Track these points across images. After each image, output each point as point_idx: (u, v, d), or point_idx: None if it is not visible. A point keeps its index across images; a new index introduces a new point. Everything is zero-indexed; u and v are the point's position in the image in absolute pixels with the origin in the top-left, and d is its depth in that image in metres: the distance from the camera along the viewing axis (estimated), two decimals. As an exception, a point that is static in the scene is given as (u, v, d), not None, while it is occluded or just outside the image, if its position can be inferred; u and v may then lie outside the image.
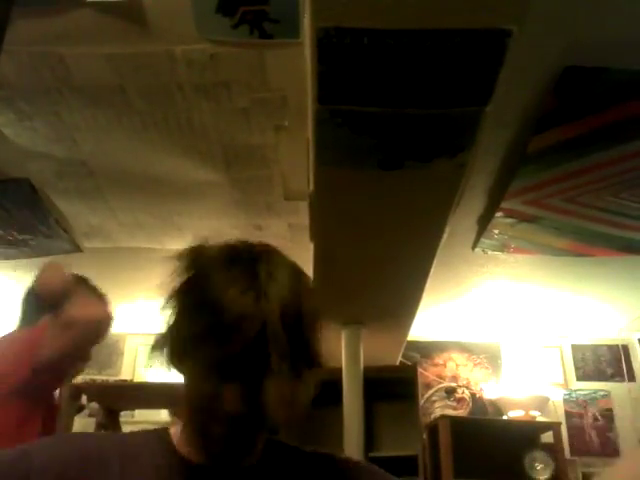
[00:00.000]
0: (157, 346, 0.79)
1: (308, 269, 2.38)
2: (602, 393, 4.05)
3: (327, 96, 1.61)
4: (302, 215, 2.72)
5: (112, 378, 4.10)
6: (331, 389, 2.97)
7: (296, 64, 1.87)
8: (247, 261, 0.77)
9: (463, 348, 4.23)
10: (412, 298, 2.89)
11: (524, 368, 4.06)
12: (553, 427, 3.46)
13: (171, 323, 0.78)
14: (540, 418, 3.76)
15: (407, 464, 3.03)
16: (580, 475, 3.77)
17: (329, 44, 1.44)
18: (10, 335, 1.75)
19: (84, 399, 3.14)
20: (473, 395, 4.04)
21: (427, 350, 4.20)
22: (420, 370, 3.82)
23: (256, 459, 0.82)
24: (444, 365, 4.19)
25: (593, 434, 3.95)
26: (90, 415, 3.48)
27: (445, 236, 2.35)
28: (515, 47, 1.44)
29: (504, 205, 2.69)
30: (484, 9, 1.35)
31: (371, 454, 3.10)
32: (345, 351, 3.12)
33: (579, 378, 4.15)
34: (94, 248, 3.23)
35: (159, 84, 2.12)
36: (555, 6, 1.71)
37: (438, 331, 4.18)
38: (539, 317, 4.01)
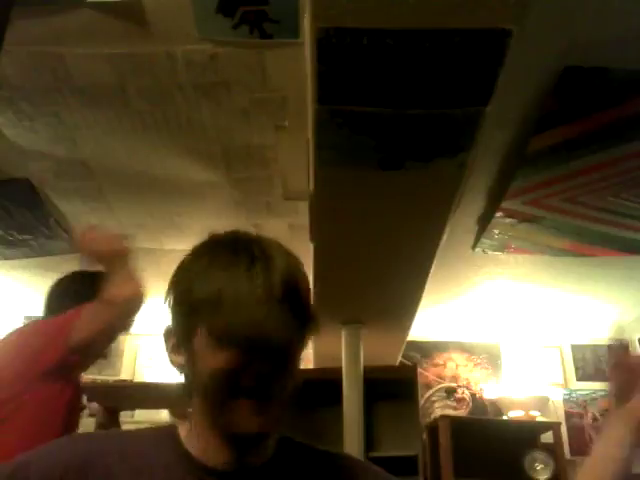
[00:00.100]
0: (168, 332, 0.81)
1: (308, 269, 2.38)
2: (602, 393, 4.04)
3: (327, 96, 1.61)
4: (302, 215, 2.72)
5: (112, 378, 4.09)
6: (331, 389, 2.97)
7: (296, 64, 1.87)
8: (245, 241, 0.81)
9: (463, 348, 4.23)
10: (412, 298, 2.89)
11: (524, 368, 4.06)
12: (553, 427, 3.46)
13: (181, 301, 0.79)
14: (540, 418, 3.75)
15: (407, 464, 3.02)
16: (580, 475, 3.77)
17: (329, 44, 1.44)
18: (43, 319, 1.82)
19: (84, 399, 3.14)
20: (473, 395, 4.04)
21: (427, 350, 4.20)
22: (420, 370, 3.82)
23: (268, 457, 0.82)
24: (444, 365, 4.19)
25: (593, 434, 3.94)
26: (90, 415, 3.48)
27: (445, 236, 2.35)
28: (515, 47, 1.44)
29: (504, 205, 2.69)
30: (484, 9, 1.35)
31: (371, 454, 3.09)
32: (345, 351, 3.12)
33: (579, 378, 4.15)
34: (94, 248, 3.23)
35: (159, 84, 2.12)
36: (555, 6, 1.71)
37: (438, 331, 4.18)
38: (539, 317, 4.01)
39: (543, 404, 3.83)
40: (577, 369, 4.18)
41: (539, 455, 3.30)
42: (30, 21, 1.84)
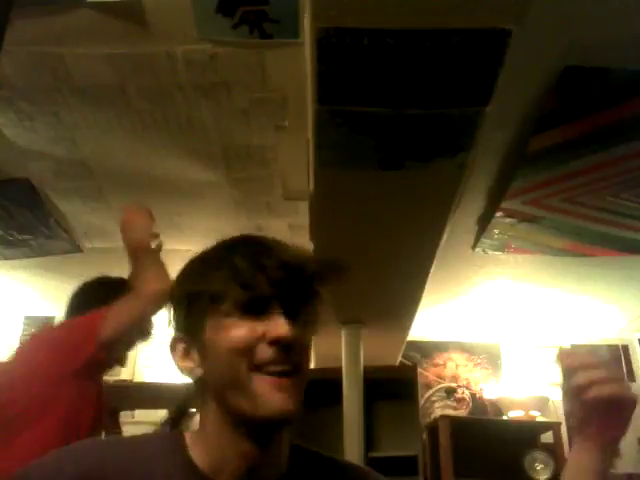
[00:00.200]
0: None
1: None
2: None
3: (327, 96, 1.61)
4: (302, 215, 2.72)
5: (112, 378, 4.09)
6: (331, 389, 2.97)
7: (296, 64, 1.87)
8: (256, 236, 0.85)
9: (463, 348, 4.23)
10: (412, 298, 2.89)
11: (524, 368, 4.06)
12: (553, 427, 3.46)
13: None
14: (540, 418, 3.76)
15: (407, 464, 3.03)
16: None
17: (329, 44, 1.44)
18: (71, 319, 1.84)
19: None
20: (473, 395, 4.04)
21: (427, 350, 4.20)
22: (420, 370, 3.82)
23: (282, 472, 0.79)
24: (444, 365, 4.19)
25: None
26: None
27: (445, 236, 2.36)
28: (515, 47, 1.44)
29: (504, 205, 2.69)
30: (484, 9, 1.35)
31: (371, 454, 3.10)
32: (345, 351, 3.12)
33: (579, 378, 4.14)
34: (94, 248, 3.23)
35: (159, 84, 2.12)
36: (555, 6, 1.71)
37: (438, 331, 4.18)
38: (539, 317, 4.01)
39: (543, 404, 3.83)
40: (577, 369, 4.17)
41: (539, 455, 3.30)
42: (30, 21, 1.84)
